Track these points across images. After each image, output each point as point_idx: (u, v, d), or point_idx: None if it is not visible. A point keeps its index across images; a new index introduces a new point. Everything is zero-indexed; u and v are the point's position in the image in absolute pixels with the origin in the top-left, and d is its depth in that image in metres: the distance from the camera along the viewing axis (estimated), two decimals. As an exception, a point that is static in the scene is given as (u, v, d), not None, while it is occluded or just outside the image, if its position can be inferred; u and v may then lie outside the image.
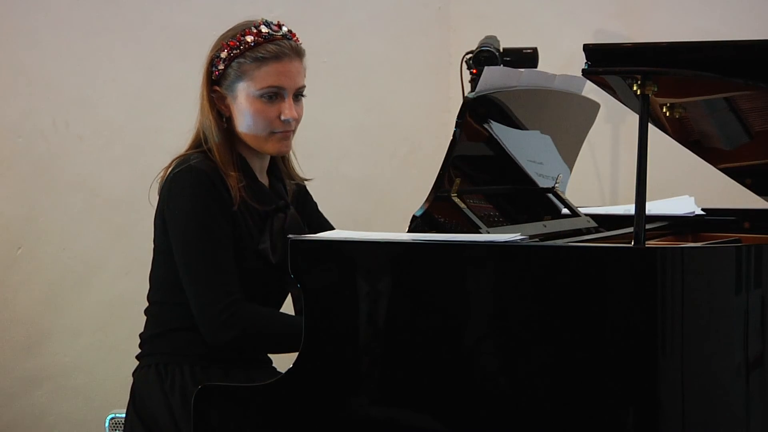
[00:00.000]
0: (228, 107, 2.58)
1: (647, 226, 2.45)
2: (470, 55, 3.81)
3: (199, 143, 2.60)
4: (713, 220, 2.91)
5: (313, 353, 2.20)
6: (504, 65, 3.70)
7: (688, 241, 2.84)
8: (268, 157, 2.67)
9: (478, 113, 2.40)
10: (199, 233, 2.47)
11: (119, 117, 3.85)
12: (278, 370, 2.60)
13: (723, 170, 2.79)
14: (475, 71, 3.77)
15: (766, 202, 2.84)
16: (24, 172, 3.72)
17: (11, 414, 3.73)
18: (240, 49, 2.54)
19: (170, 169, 2.55)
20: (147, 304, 2.65)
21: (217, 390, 2.31)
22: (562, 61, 3.76)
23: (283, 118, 2.55)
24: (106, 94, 3.83)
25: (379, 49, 4.37)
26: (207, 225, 2.47)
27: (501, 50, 3.79)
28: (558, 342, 2.05)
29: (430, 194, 2.31)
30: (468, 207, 2.36)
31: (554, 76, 2.63)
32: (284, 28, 2.59)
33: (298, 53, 2.58)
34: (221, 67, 2.56)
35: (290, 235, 2.26)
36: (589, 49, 2.17)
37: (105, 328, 3.85)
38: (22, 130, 3.71)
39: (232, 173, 2.53)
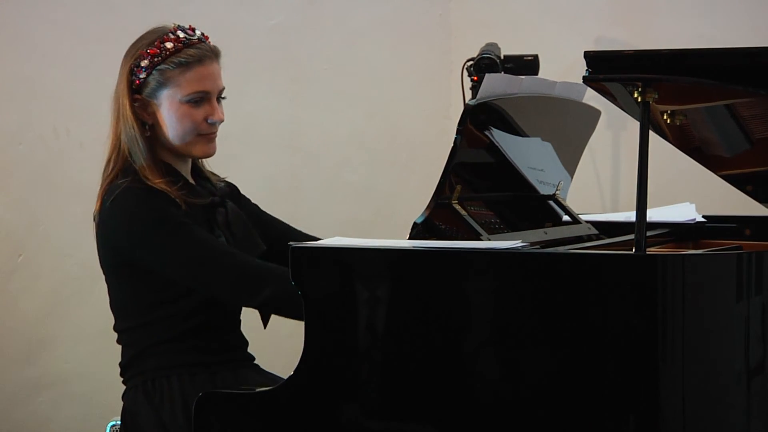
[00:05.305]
0: (151, 115, 2.57)
1: (648, 234, 2.45)
2: (471, 62, 3.81)
3: (125, 164, 2.56)
4: (714, 227, 2.91)
5: (314, 360, 2.19)
6: (505, 72, 3.70)
7: (688, 249, 2.83)
8: (190, 162, 2.65)
9: (479, 120, 2.40)
10: (180, 234, 2.46)
11: (120, 124, 3.84)
12: (261, 367, 2.63)
13: (723, 177, 2.78)
14: (476, 78, 3.77)
15: (766, 209, 2.84)
16: (25, 179, 3.72)
17: (12, 421, 3.73)
18: (161, 56, 2.54)
19: (104, 198, 2.52)
20: (119, 333, 2.64)
21: (217, 397, 2.30)
22: (562, 68, 3.76)
23: (210, 120, 2.56)
24: (107, 101, 3.81)
25: (380, 55, 4.37)
26: (179, 222, 2.46)
27: (502, 57, 3.79)
28: (559, 350, 2.05)
29: (430, 201, 2.31)
30: (469, 214, 2.36)
31: (555, 83, 2.63)
32: (198, 32, 2.59)
33: (216, 55, 2.59)
34: (142, 75, 2.55)
35: (291, 243, 2.26)
36: (589, 56, 2.17)
37: (106, 336, 3.82)
38: (23, 137, 3.71)
39: (166, 187, 2.50)
